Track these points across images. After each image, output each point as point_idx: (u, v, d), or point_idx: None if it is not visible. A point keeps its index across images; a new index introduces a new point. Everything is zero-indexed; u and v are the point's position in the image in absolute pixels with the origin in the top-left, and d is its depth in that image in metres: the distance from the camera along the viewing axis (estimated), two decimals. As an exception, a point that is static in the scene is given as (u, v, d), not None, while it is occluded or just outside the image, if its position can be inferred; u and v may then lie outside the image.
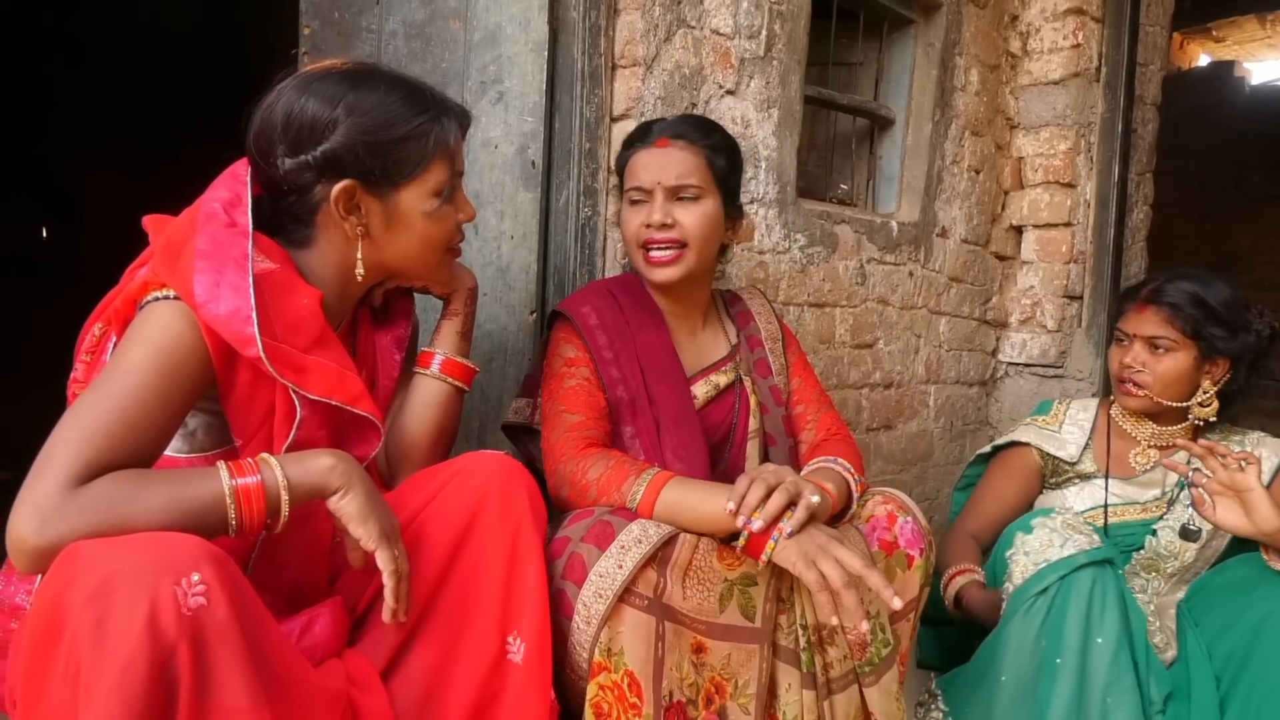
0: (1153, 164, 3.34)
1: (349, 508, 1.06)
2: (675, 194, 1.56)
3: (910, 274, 2.71)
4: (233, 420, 1.12)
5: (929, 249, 2.76)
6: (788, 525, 1.27)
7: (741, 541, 1.30)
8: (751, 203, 2.18)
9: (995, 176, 3.05)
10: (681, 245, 1.55)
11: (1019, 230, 3.13)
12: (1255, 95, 6.88)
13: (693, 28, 2.01)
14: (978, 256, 2.99)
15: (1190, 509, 1.79)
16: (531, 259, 1.95)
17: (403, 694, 1.13)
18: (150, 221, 1.16)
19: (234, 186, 1.16)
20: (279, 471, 1.02)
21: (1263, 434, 1.95)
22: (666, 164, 1.55)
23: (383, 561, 1.07)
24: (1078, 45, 2.96)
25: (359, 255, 1.20)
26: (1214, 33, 7.51)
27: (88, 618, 0.82)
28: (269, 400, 1.12)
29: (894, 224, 2.64)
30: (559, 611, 1.29)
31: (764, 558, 1.28)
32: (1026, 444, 2.04)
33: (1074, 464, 2.00)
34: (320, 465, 1.05)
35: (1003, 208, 3.11)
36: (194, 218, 1.11)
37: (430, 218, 1.22)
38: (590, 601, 1.26)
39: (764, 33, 2.15)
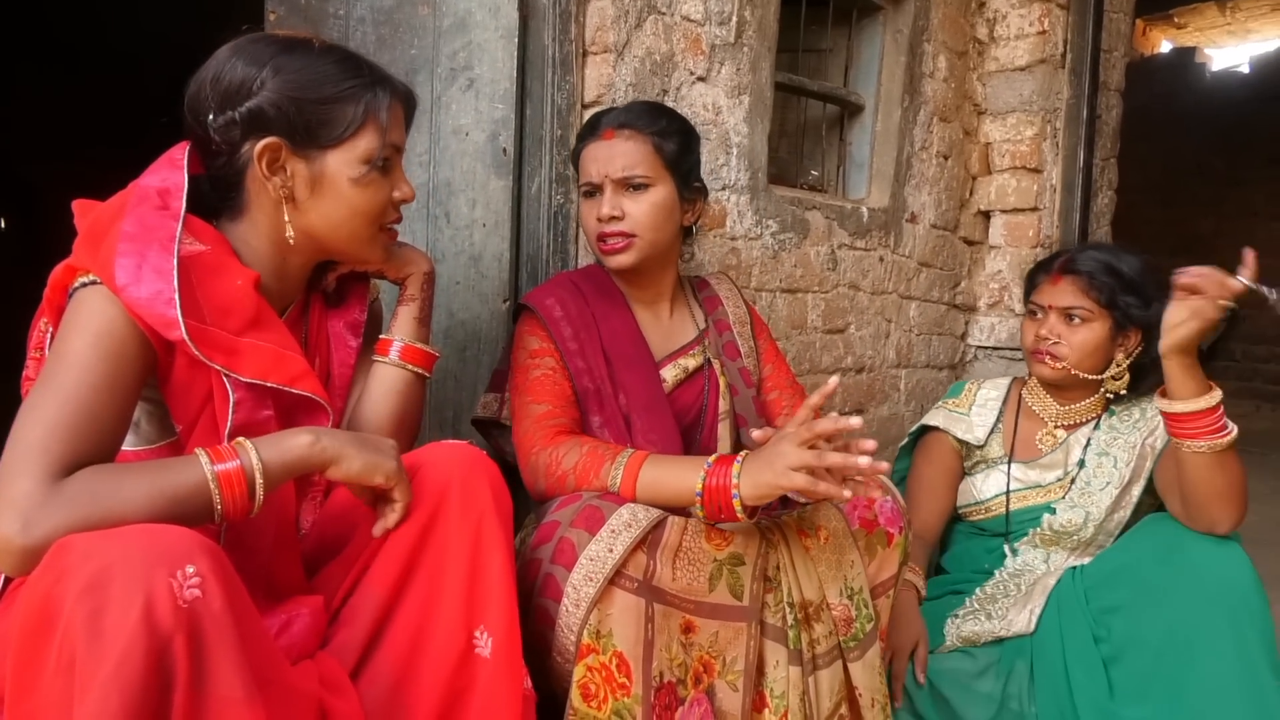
0: (1117, 149, 3.39)
1: (354, 468, 1.07)
2: (624, 185, 1.56)
3: (881, 259, 2.73)
4: (172, 406, 1.11)
5: (899, 234, 2.79)
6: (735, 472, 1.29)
7: (700, 513, 1.33)
8: (723, 189, 2.19)
9: (963, 162, 3.08)
10: (631, 236, 1.56)
11: (987, 215, 3.16)
12: (1216, 81, 7.00)
13: (663, 14, 2.01)
14: (947, 241, 3.02)
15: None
16: (504, 247, 1.94)
17: (370, 693, 1.11)
18: (78, 206, 1.14)
19: (169, 170, 1.15)
20: (254, 454, 1.02)
21: None
22: (613, 156, 1.56)
23: (400, 494, 1.12)
24: (1044, 32, 2.99)
25: (286, 219, 1.18)
26: (1175, 19, 7.62)
27: (82, 610, 0.81)
28: (206, 386, 1.11)
29: (864, 210, 2.66)
30: (545, 596, 1.29)
31: (736, 503, 1.29)
32: (938, 429, 2.05)
33: (981, 447, 2.00)
34: (298, 444, 1.05)
35: (971, 193, 3.14)
36: (124, 201, 1.11)
37: (357, 184, 1.19)
38: (580, 584, 1.27)
39: (734, 19, 2.15)
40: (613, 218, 1.55)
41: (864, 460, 1.22)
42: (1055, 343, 1.87)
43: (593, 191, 1.59)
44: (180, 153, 1.17)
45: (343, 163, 1.18)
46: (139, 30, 4.28)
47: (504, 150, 1.92)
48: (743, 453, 1.34)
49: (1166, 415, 1.58)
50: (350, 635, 1.14)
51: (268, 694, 0.92)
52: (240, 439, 1.04)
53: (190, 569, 0.86)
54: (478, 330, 1.96)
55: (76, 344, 1.03)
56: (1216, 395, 1.54)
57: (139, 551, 0.85)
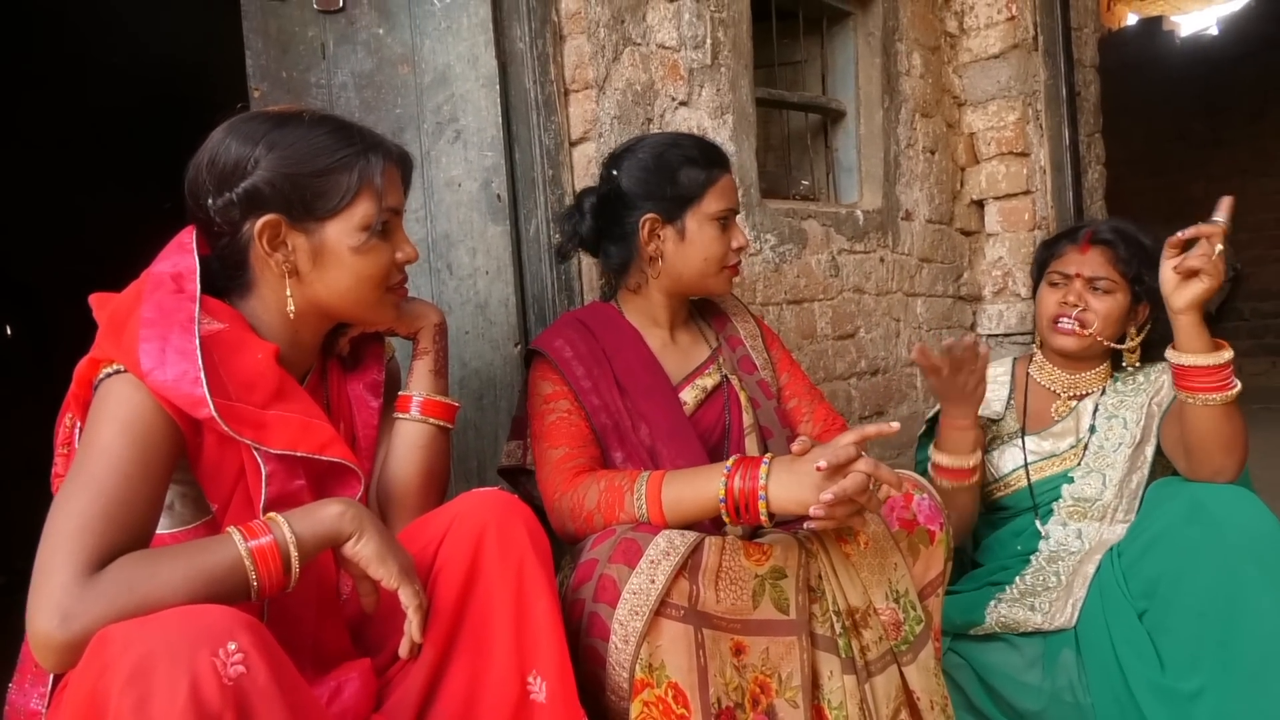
0: (1100, 124, 3.40)
1: (365, 550, 1.05)
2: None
3: (881, 260, 2.74)
4: (205, 486, 1.12)
5: (896, 233, 2.79)
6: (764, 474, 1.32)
7: (726, 518, 1.34)
8: (718, 209, 2.20)
9: (950, 155, 3.09)
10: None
11: (980, 204, 3.17)
12: (1186, 47, 7.04)
13: (639, 44, 2.03)
14: (944, 235, 3.03)
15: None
16: (509, 291, 1.95)
17: None
18: (95, 299, 1.15)
19: (179, 255, 1.16)
20: (286, 528, 1.02)
21: (1167, 363, 1.96)
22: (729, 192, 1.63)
23: (406, 598, 1.07)
24: (1012, 18, 3.01)
25: (288, 293, 1.18)
26: (1138, -9, 7.68)
27: (129, 701, 0.81)
28: (238, 462, 1.12)
29: (859, 213, 2.67)
30: (593, 635, 1.28)
31: (762, 505, 1.31)
32: None
33: (998, 421, 2.02)
34: (329, 514, 1.05)
35: (962, 184, 3.15)
36: (140, 289, 1.12)
37: (358, 252, 1.19)
38: (626, 620, 1.26)
39: (709, 41, 2.17)
40: (740, 249, 1.65)
41: (882, 492, 1.28)
42: (1083, 309, 1.88)
43: (725, 221, 1.62)
44: (188, 236, 1.19)
45: (342, 232, 1.18)
46: (123, 126, 4.33)
47: (498, 196, 1.93)
48: (769, 455, 1.34)
49: (1179, 369, 1.61)
50: (404, 695, 1.13)
51: None
52: (272, 514, 1.04)
53: (232, 645, 0.86)
54: (492, 377, 1.96)
55: (105, 434, 1.03)
56: (1228, 354, 1.59)
57: (179, 634, 0.85)
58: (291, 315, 1.20)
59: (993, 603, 1.79)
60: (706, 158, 1.61)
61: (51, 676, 1.09)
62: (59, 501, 1.00)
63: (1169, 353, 1.63)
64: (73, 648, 0.90)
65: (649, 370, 1.61)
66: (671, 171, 1.58)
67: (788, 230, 2.40)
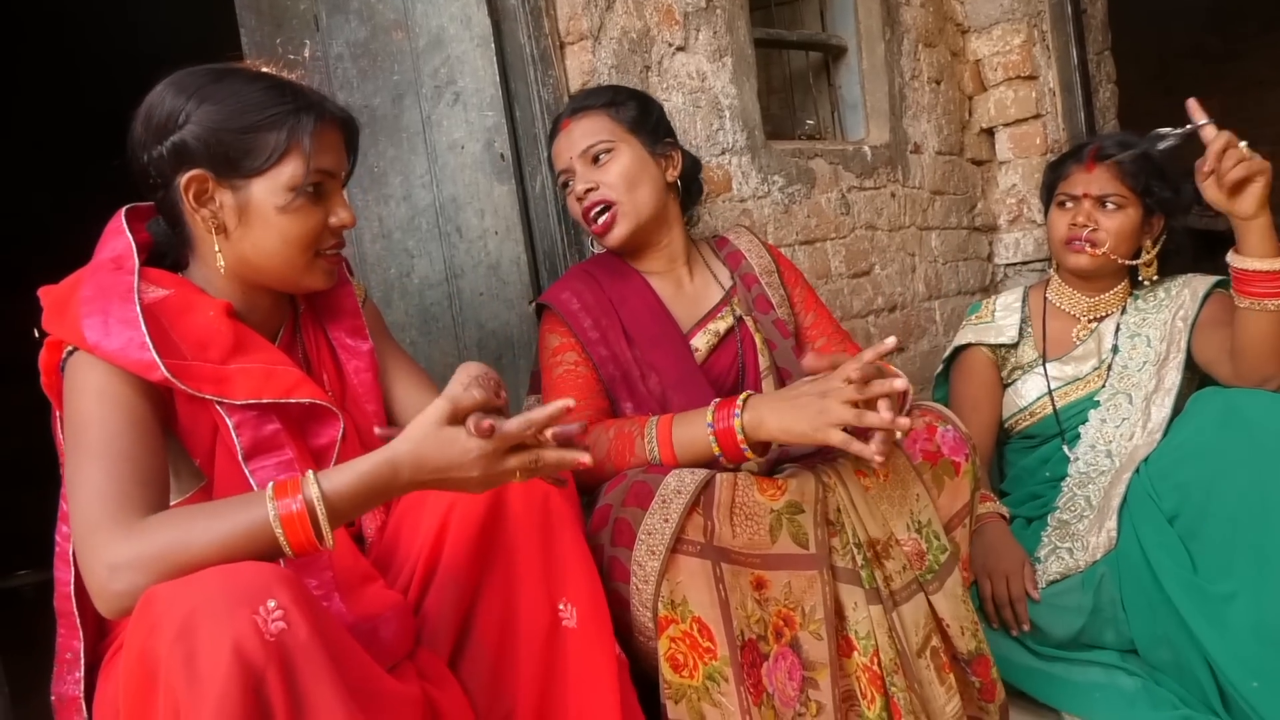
0: (1109, 41, 3.33)
1: (444, 489, 1.05)
2: (591, 159, 1.59)
3: (892, 195, 2.71)
4: (187, 446, 1.14)
5: (905, 167, 2.76)
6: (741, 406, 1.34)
7: (716, 449, 1.36)
8: (723, 153, 2.18)
9: (956, 84, 3.04)
10: (611, 202, 1.57)
11: (990, 132, 3.12)
12: (1196, -42, 6.85)
13: (632, -9, 2.01)
14: (955, 166, 2.99)
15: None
16: (519, 250, 1.95)
17: (472, 680, 1.14)
18: (42, 291, 1.16)
19: (114, 239, 1.18)
20: (315, 488, 1.00)
21: (1188, 275, 1.95)
22: (572, 140, 1.60)
23: (526, 465, 1.04)
24: (1013, -65, 2.95)
25: (216, 249, 1.17)
26: (1143, -97, 7.47)
27: (177, 657, 0.84)
28: (209, 419, 1.13)
29: (866, 149, 2.64)
30: (614, 580, 1.30)
31: (742, 442, 1.33)
32: (970, 344, 2.06)
33: (1015, 347, 2.01)
34: (377, 475, 1.02)
35: (970, 113, 3.10)
36: (80, 275, 1.14)
37: (284, 212, 1.17)
38: (644, 560, 1.27)
39: (702, -17, 2.15)
40: (588, 190, 1.57)
41: (903, 420, 1.24)
42: (1093, 229, 1.86)
43: (568, 182, 1.62)
44: (118, 222, 1.20)
45: (268, 191, 1.16)
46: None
47: (501, 156, 1.93)
48: (745, 394, 1.37)
49: (1242, 274, 1.60)
50: (438, 627, 1.16)
51: (370, 710, 0.94)
52: (309, 472, 1.02)
53: (272, 603, 0.88)
54: (509, 337, 1.97)
55: (86, 405, 1.06)
56: None
57: (219, 594, 0.87)
58: (221, 271, 1.19)
59: (1037, 566, 1.75)
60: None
61: (83, 663, 1.14)
62: (69, 478, 1.04)
63: (1231, 257, 1.61)
64: (122, 595, 0.95)
65: (656, 318, 1.61)
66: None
67: (795, 170, 2.38)
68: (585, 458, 1.05)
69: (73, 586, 1.13)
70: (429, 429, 1.01)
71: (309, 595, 0.93)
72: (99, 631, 1.17)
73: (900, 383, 1.25)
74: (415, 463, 1.01)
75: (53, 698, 1.16)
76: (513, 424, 1.01)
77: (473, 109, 1.93)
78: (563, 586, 1.16)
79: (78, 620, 1.14)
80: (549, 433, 1.04)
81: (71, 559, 1.11)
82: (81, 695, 1.13)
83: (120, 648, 1.08)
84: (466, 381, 1.06)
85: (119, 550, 0.96)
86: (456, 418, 1.02)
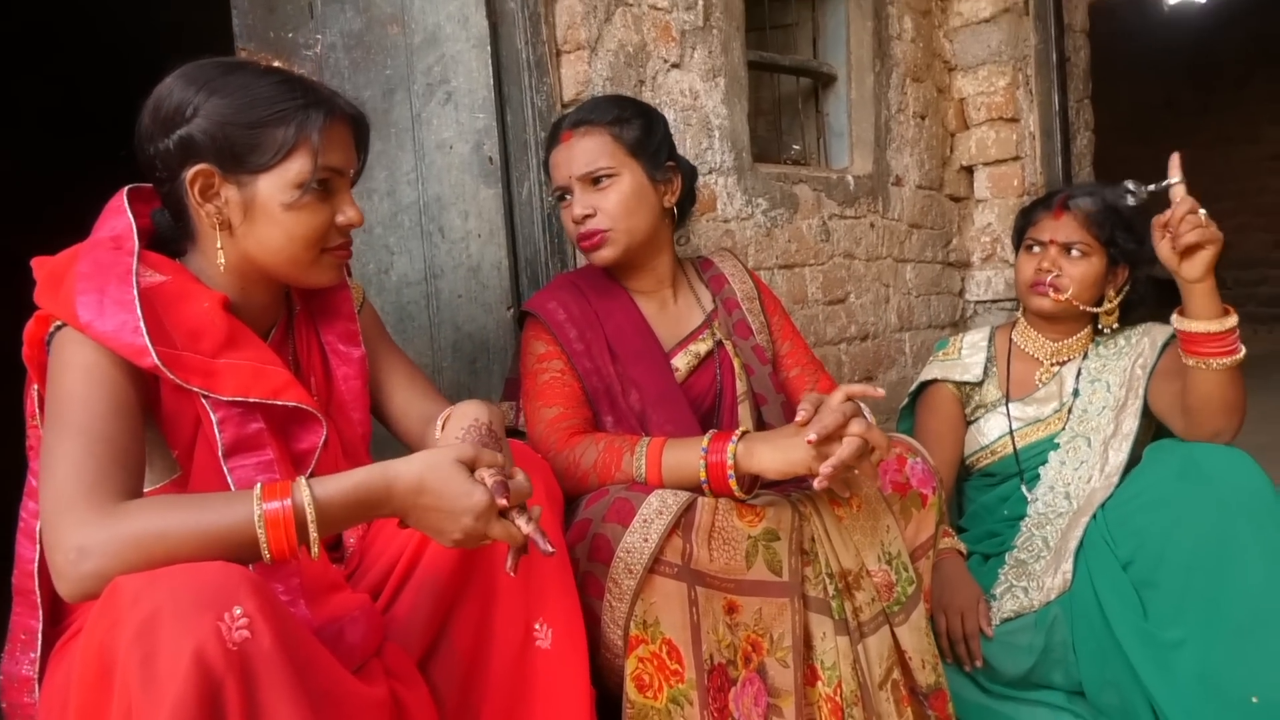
0: (1089, 90, 3.39)
1: (422, 526, 1.03)
2: (590, 181, 1.56)
3: (871, 225, 2.74)
4: (166, 435, 1.12)
5: (886, 199, 2.79)
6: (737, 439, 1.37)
7: (703, 474, 1.38)
8: (710, 173, 2.19)
9: (940, 120, 3.08)
10: (605, 231, 1.55)
11: (970, 170, 3.17)
12: (1174, 14, 7.00)
13: (631, 5, 2.01)
14: (934, 201, 3.03)
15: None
16: (501, 255, 1.94)
17: (443, 685, 1.13)
18: (36, 262, 1.13)
19: (114, 218, 1.15)
20: (306, 493, 0.98)
21: (1148, 324, 1.99)
22: (573, 156, 1.56)
23: (510, 536, 1.03)
24: (1003, -19, 3.00)
25: (219, 245, 1.16)
26: (1126, -43, 7.63)
27: (135, 657, 0.82)
28: (193, 411, 1.11)
29: (850, 178, 2.66)
30: (588, 594, 1.29)
31: (732, 483, 1.36)
32: (936, 380, 2.09)
33: (980, 385, 2.05)
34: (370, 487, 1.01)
35: (951, 150, 3.15)
36: (77, 249, 1.12)
37: (291, 209, 1.15)
38: (621, 578, 1.27)
39: (701, 3, 2.16)
40: (586, 216, 1.55)
41: (875, 456, 1.31)
42: (1057, 274, 1.91)
43: (564, 195, 1.60)
44: (120, 201, 1.18)
45: (274, 187, 1.14)
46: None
47: (490, 159, 1.92)
48: (740, 430, 1.38)
49: (1187, 335, 1.63)
50: (411, 630, 1.15)
51: (335, 717, 0.92)
52: (299, 479, 1.00)
53: (238, 610, 0.86)
54: (485, 341, 1.96)
55: (69, 381, 1.04)
56: (1233, 319, 1.62)
57: (185, 594, 0.85)
58: (221, 268, 1.17)
59: (992, 604, 1.77)
60: None
61: (40, 643, 1.11)
62: (45, 453, 1.01)
63: (1176, 320, 1.65)
64: (86, 579, 0.92)
65: (640, 335, 1.61)
66: None
67: (779, 195, 2.39)
68: (552, 550, 1.04)
69: (36, 564, 1.10)
70: (442, 459, 1.01)
71: (276, 602, 0.91)
72: (54, 613, 1.14)
73: (877, 390, 1.33)
74: (414, 486, 1.00)
75: (0, 676, 1.13)
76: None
77: (464, 110, 1.92)
78: (541, 606, 1.15)
79: (38, 599, 1.11)
80: (530, 528, 1.03)
81: (38, 536, 1.08)
82: (35, 676, 1.10)
83: (76, 633, 1.05)
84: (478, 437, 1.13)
85: (91, 533, 0.94)
86: (472, 466, 1.02)
